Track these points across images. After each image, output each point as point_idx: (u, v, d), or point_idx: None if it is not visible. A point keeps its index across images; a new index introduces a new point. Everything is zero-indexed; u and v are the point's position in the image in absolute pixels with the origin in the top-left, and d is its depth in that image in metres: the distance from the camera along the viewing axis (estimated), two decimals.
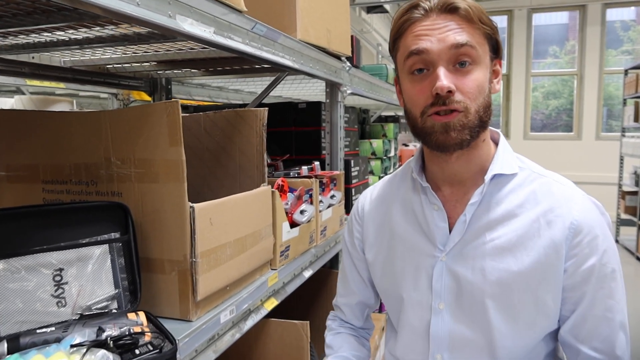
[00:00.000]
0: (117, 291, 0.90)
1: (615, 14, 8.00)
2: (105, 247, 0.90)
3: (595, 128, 7.79)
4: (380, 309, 3.06)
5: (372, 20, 6.34)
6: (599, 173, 7.48)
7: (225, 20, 1.06)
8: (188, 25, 0.93)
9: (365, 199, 1.13)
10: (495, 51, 0.90)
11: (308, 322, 1.38)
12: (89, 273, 0.88)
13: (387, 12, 6.07)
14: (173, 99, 0.93)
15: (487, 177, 0.90)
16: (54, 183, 1.06)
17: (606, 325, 0.86)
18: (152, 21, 0.84)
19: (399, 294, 0.99)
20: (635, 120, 5.71)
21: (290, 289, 1.44)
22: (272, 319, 1.41)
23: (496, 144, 0.96)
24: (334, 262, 2.06)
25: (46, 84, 2.10)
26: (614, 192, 6.71)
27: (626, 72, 6.27)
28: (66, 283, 0.86)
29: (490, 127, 0.95)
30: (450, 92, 0.83)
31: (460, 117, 0.84)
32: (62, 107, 2.09)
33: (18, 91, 2.56)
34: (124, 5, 0.77)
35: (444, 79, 0.83)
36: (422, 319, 0.95)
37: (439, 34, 0.84)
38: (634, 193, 5.90)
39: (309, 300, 2.02)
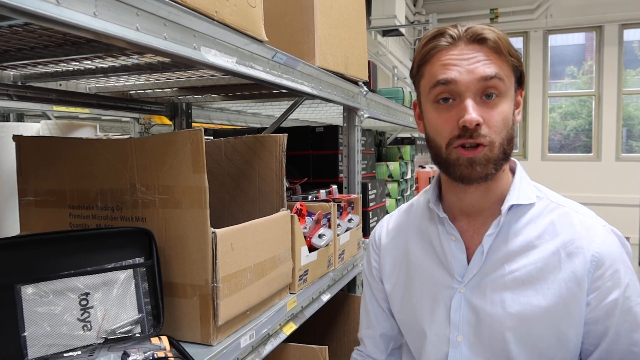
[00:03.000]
0: (140, 315, 0.92)
1: (633, 35, 7.96)
2: (130, 271, 0.92)
3: (615, 149, 7.69)
4: None
5: (388, 43, 6.41)
6: (619, 195, 7.35)
7: (247, 50, 1.09)
8: (212, 56, 0.97)
9: (382, 229, 1.13)
10: (520, 82, 0.90)
11: (327, 347, 1.38)
12: (114, 297, 0.89)
13: (402, 35, 6.14)
14: (197, 128, 0.95)
15: (504, 208, 0.89)
16: (81, 208, 1.09)
17: (632, 359, 0.85)
18: (179, 54, 0.87)
19: (418, 326, 0.99)
20: None
21: (309, 313, 1.44)
22: (291, 344, 1.41)
23: (513, 172, 0.96)
24: (351, 286, 2.06)
25: (71, 109, 2.16)
26: (635, 213, 6.59)
27: None
28: (92, 307, 0.87)
29: None
30: (478, 125, 0.83)
31: (485, 151, 0.84)
32: (86, 131, 2.14)
33: (44, 115, 2.64)
34: (152, 39, 0.80)
35: (473, 112, 0.83)
36: (440, 351, 0.94)
37: (468, 65, 0.84)
38: None
39: (326, 325, 2.01)
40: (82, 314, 0.87)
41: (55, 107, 2.00)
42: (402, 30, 5.79)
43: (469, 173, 0.86)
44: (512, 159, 0.97)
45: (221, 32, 0.98)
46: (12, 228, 1.62)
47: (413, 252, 1.02)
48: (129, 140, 1.03)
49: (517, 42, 8.23)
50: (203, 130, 0.95)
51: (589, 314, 0.85)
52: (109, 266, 0.89)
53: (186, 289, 1.00)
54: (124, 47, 0.85)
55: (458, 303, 0.92)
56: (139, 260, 0.93)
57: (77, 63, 1.35)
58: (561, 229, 0.89)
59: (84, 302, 0.87)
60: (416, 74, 0.95)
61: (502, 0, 7.82)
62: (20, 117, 2.75)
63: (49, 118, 2.59)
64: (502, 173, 0.92)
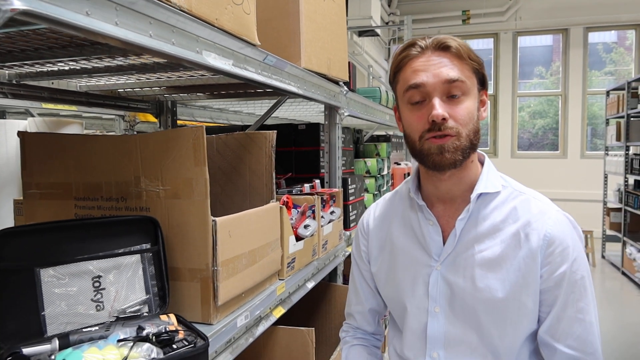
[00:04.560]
0: (148, 296, 1.01)
1: (597, 37, 8.30)
2: (138, 256, 1.00)
3: (580, 147, 8.02)
4: None
5: (364, 43, 6.54)
6: (584, 190, 7.69)
7: (242, 53, 1.18)
8: (212, 59, 1.06)
9: (369, 216, 1.25)
10: (482, 83, 1.04)
11: (313, 328, 1.48)
12: (124, 280, 0.98)
13: (378, 35, 6.28)
14: (199, 125, 1.04)
15: (473, 195, 1.02)
16: (86, 200, 1.16)
17: (578, 325, 0.98)
18: (185, 57, 0.96)
19: (401, 300, 1.11)
20: (618, 139, 5.92)
21: (295, 298, 1.55)
22: (280, 326, 1.51)
23: (482, 164, 1.09)
24: (332, 276, 2.17)
25: (59, 106, 2.20)
26: (599, 208, 6.91)
27: (608, 93, 6.52)
28: (104, 289, 0.96)
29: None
30: (444, 119, 0.96)
31: (453, 140, 0.97)
32: (74, 128, 2.19)
33: (27, 113, 2.67)
34: (163, 45, 0.89)
35: (439, 108, 0.96)
36: (420, 321, 1.07)
37: (434, 70, 0.98)
38: (618, 210, 6.08)
39: (309, 312, 2.12)
40: (95, 295, 0.95)
41: (45, 105, 2.05)
42: (378, 30, 5.93)
43: (440, 160, 0.98)
44: (481, 152, 1.10)
45: (220, 37, 1.07)
46: (5, 219, 1.67)
47: (396, 236, 1.14)
48: (133, 136, 1.11)
49: (488, 43, 8.49)
50: (204, 127, 1.04)
51: (542, 285, 0.99)
52: (119, 251, 0.98)
53: (188, 272, 1.09)
54: (136, 51, 0.93)
55: (435, 279, 1.05)
56: (146, 246, 1.02)
57: (74, 63, 1.42)
58: (522, 214, 1.02)
59: (96, 284, 0.95)
60: (393, 81, 1.08)
61: (473, 3, 8.05)
62: (2, 114, 2.77)
63: (32, 115, 2.62)
64: (471, 164, 1.04)
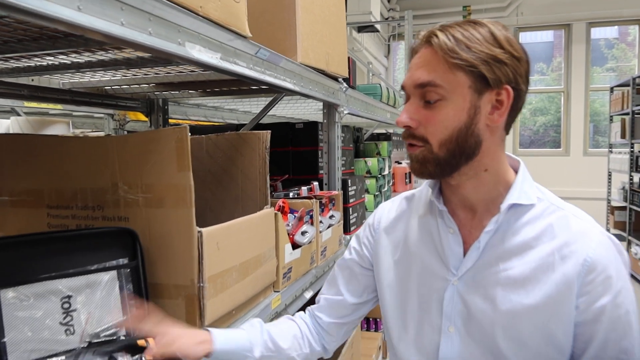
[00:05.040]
0: (125, 318, 0.90)
1: (599, 33, 8.19)
2: (114, 273, 0.90)
3: (582, 144, 7.92)
4: (377, 329, 3.05)
5: (363, 39, 6.43)
6: (587, 188, 7.58)
7: (231, 46, 1.07)
8: (196, 52, 0.95)
9: (382, 213, 1.12)
10: (488, 82, 0.86)
11: None
12: (98, 300, 0.87)
13: (377, 31, 6.16)
14: (182, 125, 0.93)
15: (504, 206, 0.89)
16: (59, 208, 1.06)
17: None
18: (164, 49, 0.85)
19: (410, 312, 0.99)
20: (622, 136, 5.81)
21: (292, 310, 1.44)
22: None
23: (516, 172, 0.95)
24: None
25: (43, 105, 2.10)
26: (602, 207, 6.80)
27: (612, 89, 6.41)
28: (75, 310, 0.85)
29: (509, 154, 0.95)
30: (409, 126, 0.88)
31: (421, 150, 0.88)
32: (59, 128, 2.08)
33: (13, 112, 2.55)
34: (137, 35, 0.78)
35: (403, 113, 0.88)
36: (432, 341, 0.95)
37: (413, 70, 0.88)
38: (623, 208, 5.98)
39: None
40: (64, 318, 0.84)
41: (27, 103, 1.94)
42: (378, 26, 5.81)
43: (412, 169, 0.92)
44: (516, 157, 0.97)
45: (205, 28, 0.96)
46: None
47: (412, 240, 1.02)
48: (109, 138, 1.00)
49: None
50: (188, 127, 0.93)
51: (577, 317, 0.85)
52: (92, 268, 0.87)
53: (171, 289, 0.98)
54: (108, 42, 0.83)
55: (451, 295, 0.93)
56: (123, 261, 0.91)
57: (52, 58, 1.31)
58: (558, 232, 0.88)
59: (66, 305, 0.84)
60: None
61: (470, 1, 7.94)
62: None
63: (18, 114, 2.51)
64: (484, 173, 0.91)
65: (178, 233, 0.96)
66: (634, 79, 5.58)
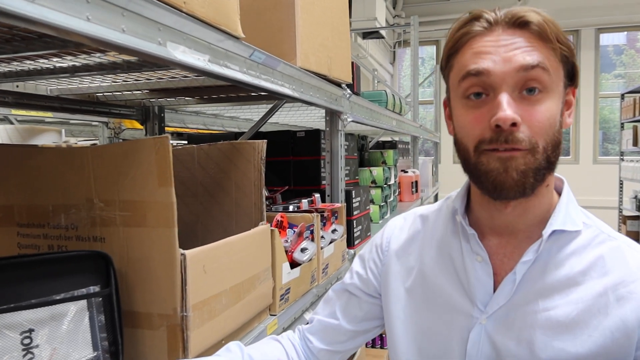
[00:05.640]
0: (95, 354, 0.79)
1: (607, 39, 8.08)
2: (83, 302, 0.79)
3: (592, 152, 7.78)
4: (382, 345, 2.93)
5: (368, 46, 6.34)
6: (598, 197, 7.42)
7: (221, 47, 0.97)
8: (180, 53, 0.85)
9: (392, 232, 0.97)
10: (571, 77, 0.76)
11: None
12: (64, 334, 0.76)
13: (382, 37, 6.08)
14: (163, 135, 0.83)
15: (546, 232, 0.75)
16: (30, 227, 0.95)
17: None
18: (140, 49, 0.75)
19: (423, 352, 0.86)
20: (635, 144, 5.68)
21: None
22: None
23: (559, 193, 0.82)
24: None
25: (32, 113, 2.01)
26: (614, 216, 6.64)
27: (622, 96, 6.28)
28: (36, 346, 0.74)
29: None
30: (514, 125, 0.69)
31: (524, 155, 0.70)
32: (49, 136, 1.99)
33: (5, 120, 2.47)
34: (108, 32, 0.68)
35: (507, 108, 0.69)
36: None
37: (505, 53, 0.71)
38: (635, 217, 5.83)
39: None
40: (24, 355, 0.73)
41: (19, 112, 1.85)
42: (383, 32, 5.73)
43: (503, 181, 0.71)
44: (560, 176, 0.83)
45: (190, 26, 0.86)
46: None
47: (429, 266, 0.88)
48: (85, 149, 0.90)
49: None
50: (169, 136, 0.83)
51: None
52: (58, 297, 0.76)
53: (152, 319, 0.88)
54: (76, 40, 0.73)
55: (477, 336, 0.79)
56: (94, 289, 0.80)
57: (32, 62, 1.22)
58: (612, 267, 0.74)
59: (26, 341, 0.74)
60: (445, 66, 0.81)
61: (481, 4, 7.82)
62: None
63: (11, 122, 2.42)
64: (545, 189, 0.78)
65: (159, 255, 0.86)
66: None
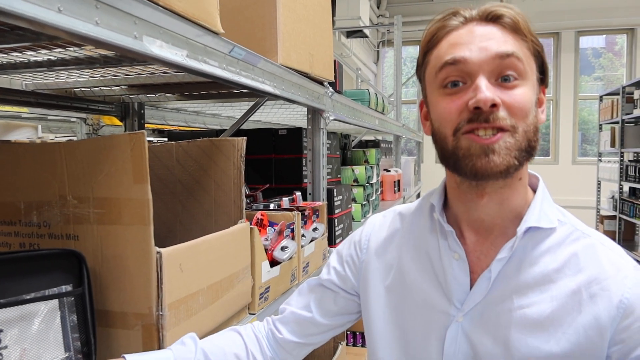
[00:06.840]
0: (67, 355, 0.77)
1: (586, 42, 8.21)
2: (55, 302, 0.77)
3: (571, 152, 7.90)
4: (364, 344, 2.93)
5: (352, 45, 6.35)
6: (576, 197, 7.54)
7: (199, 42, 0.96)
8: (157, 47, 0.83)
9: (372, 230, 0.97)
10: (542, 73, 0.78)
11: None
12: (34, 334, 0.74)
13: (366, 36, 6.09)
14: (139, 131, 0.82)
15: (520, 229, 0.75)
16: (1, 224, 0.93)
17: None
18: (115, 43, 0.73)
19: (402, 350, 0.86)
20: (612, 145, 5.78)
21: None
22: None
23: (534, 190, 0.82)
24: None
25: (7, 108, 1.96)
26: (591, 215, 6.76)
27: (601, 98, 6.40)
28: (5, 347, 0.72)
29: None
30: (494, 105, 0.70)
31: (506, 137, 0.70)
32: (24, 132, 1.95)
33: None
34: (79, 24, 0.66)
35: (486, 90, 0.70)
36: None
37: (480, 42, 0.73)
38: (612, 217, 5.94)
39: None
40: None
41: None
42: (367, 31, 5.74)
43: (484, 164, 0.70)
44: (535, 174, 0.84)
45: (168, 20, 0.85)
46: None
47: (407, 264, 0.87)
48: (57, 145, 0.88)
49: None
50: (145, 132, 0.81)
51: None
52: (28, 297, 0.74)
53: (126, 318, 0.86)
54: (49, 33, 0.71)
55: (454, 334, 0.79)
56: (66, 288, 0.78)
57: (5, 55, 1.18)
58: (585, 264, 0.75)
59: None
60: (422, 63, 0.82)
61: (464, 5, 7.86)
62: None
63: None
64: (519, 182, 0.78)
65: (134, 254, 0.84)
66: (623, 87, 5.55)
